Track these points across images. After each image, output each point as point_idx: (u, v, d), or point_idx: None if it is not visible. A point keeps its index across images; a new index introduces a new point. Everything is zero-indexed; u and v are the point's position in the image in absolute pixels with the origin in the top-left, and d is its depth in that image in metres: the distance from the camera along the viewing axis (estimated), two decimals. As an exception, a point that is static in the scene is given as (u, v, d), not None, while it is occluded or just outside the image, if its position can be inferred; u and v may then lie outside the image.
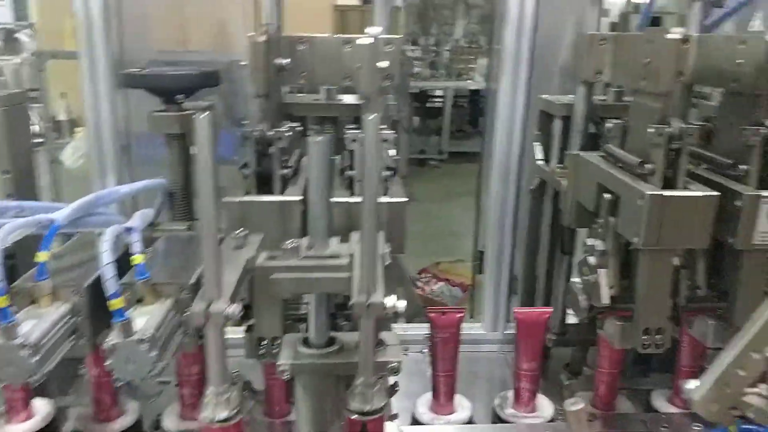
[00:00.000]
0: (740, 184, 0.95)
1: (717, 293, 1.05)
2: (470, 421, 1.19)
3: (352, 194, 0.93)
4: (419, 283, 3.79)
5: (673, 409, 1.20)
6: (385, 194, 0.93)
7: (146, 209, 1.11)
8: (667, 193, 0.90)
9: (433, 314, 1.14)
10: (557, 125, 1.27)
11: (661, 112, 0.94)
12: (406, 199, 0.90)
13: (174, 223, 1.20)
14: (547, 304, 1.39)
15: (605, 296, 1.03)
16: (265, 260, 0.80)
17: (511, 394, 1.23)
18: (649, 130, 0.93)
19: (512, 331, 1.56)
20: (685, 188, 0.93)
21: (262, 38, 0.97)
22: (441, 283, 3.74)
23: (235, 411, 0.73)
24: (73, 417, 1.16)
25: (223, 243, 0.82)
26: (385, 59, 1.00)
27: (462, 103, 6.85)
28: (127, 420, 1.15)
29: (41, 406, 1.16)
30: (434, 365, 1.17)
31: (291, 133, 0.91)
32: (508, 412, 1.20)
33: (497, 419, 1.20)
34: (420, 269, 3.98)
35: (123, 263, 0.96)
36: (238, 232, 0.83)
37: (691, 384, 0.73)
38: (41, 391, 1.25)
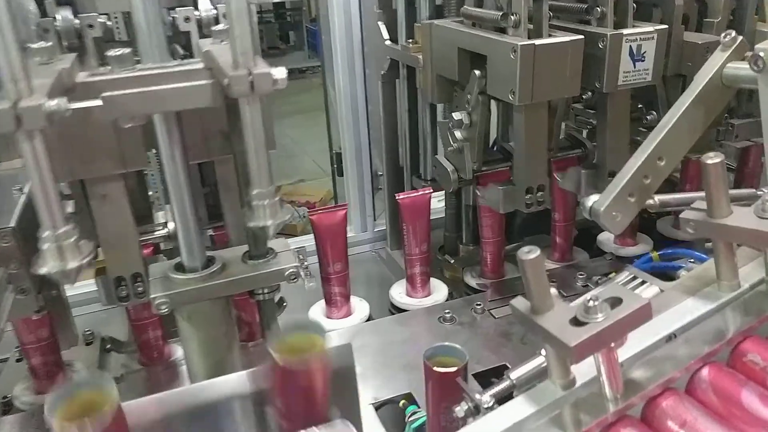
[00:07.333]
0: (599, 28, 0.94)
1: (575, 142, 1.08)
2: (369, 319, 1.13)
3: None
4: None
5: (553, 265, 1.24)
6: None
7: None
8: (538, 42, 0.86)
9: (314, 216, 1.04)
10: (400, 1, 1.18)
11: None
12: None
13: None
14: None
15: (469, 171, 1.01)
16: (87, 76, 0.61)
17: (404, 283, 1.19)
18: (508, -22, 0.88)
19: (382, 228, 1.52)
20: (551, 36, 0.90)
21: None
22: (287, 206, 3.62)
23: (89, 257, 0.56)
24: None
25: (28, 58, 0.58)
26: None
27: (268, 19, 6.52)
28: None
29: None
30: (323, 269, 1.09)
31: None
32: (405, 300, 1.16)
33: (394, 309, 1.16)
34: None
35: None
36: (39, 44, 0.61)
37: (591, 199, 0.71)
38: None
